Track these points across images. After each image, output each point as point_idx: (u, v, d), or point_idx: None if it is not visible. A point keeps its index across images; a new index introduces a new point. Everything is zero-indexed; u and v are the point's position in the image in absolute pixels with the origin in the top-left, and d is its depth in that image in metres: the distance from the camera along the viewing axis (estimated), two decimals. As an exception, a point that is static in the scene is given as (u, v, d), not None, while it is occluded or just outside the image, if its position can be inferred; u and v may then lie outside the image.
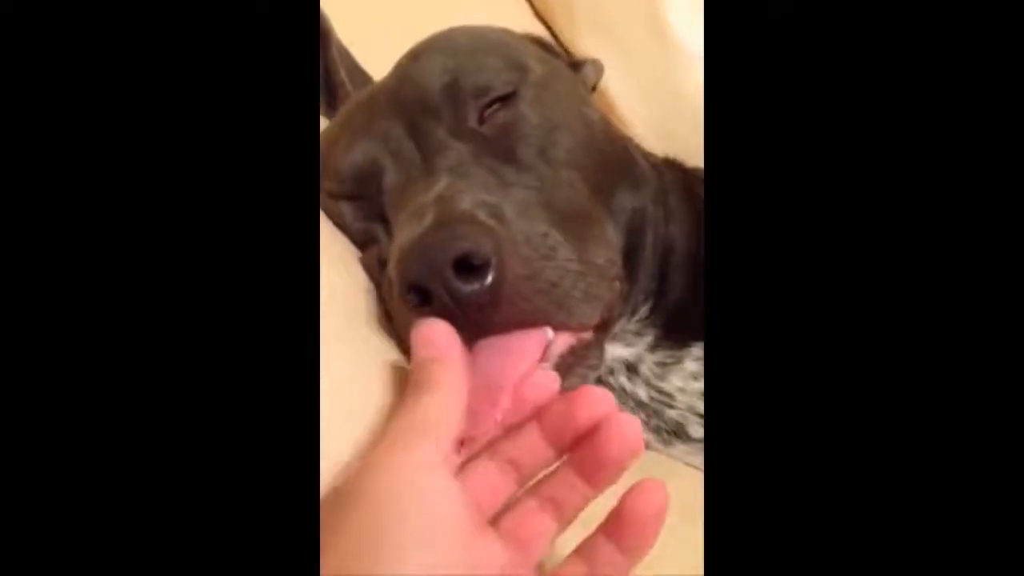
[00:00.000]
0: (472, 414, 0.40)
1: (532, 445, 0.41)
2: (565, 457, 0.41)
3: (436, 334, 0.41)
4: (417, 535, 0.33)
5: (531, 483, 0.41)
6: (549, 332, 0.45)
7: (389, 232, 0.53)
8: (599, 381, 0.60)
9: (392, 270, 0.45)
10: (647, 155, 0.67)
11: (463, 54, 0.56)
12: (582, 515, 0.41)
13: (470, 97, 0.54)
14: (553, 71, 0.60)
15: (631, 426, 0.39)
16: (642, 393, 0.61)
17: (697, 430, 0.60)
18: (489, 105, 0.54)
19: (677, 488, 0.56)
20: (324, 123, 0.66)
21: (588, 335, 0.48)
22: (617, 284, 0.51)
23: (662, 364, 0.60)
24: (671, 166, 0.68)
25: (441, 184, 0.48)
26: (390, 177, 0.53)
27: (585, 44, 0.91)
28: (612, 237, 0.55)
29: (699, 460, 0.60)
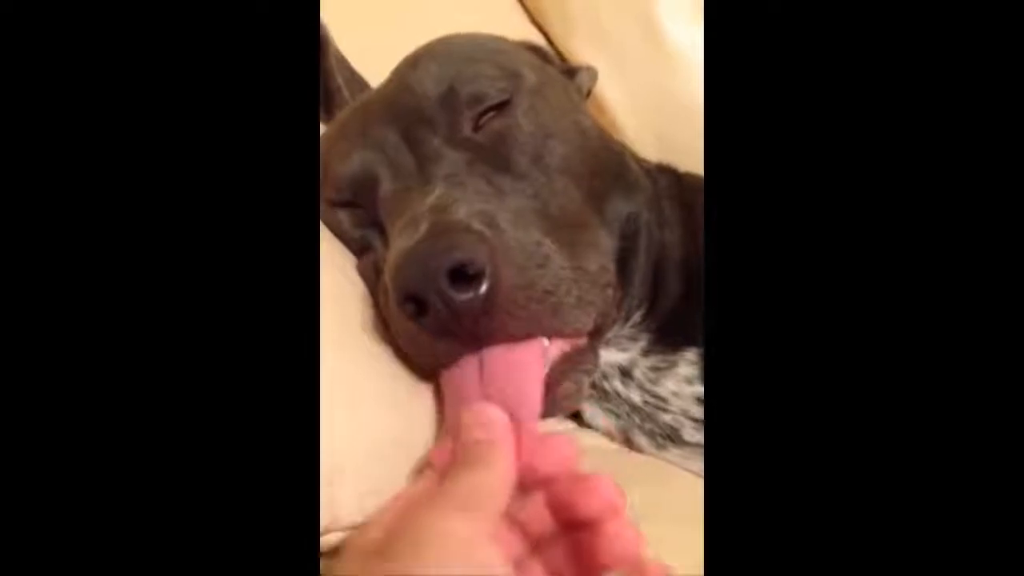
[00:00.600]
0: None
1: (538, 512, 0.41)
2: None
3: (491, 419, 0.41)
4: None
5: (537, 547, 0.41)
6: (545, 341, 0.46)
7: (385, 239, 0.53)
8: (593, 386, 0.61)
9: (388, 280, 0.46)
10: (640, 161, 0.67)
11: (459, 63, 0.57)
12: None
13: (465, 106, 0.55)
14: (547, 79, 0.61)
15: (626, 538, 0.39)
16: (636, 397, 0.61)
17: (691, 434, 0.60)
18: (484, 113, 0.55)
19: (671, 492, 0.57)
20: (321, 129, 0.67)
21: (583, 341, 0.49)
22: (610, 291, 0.52)
23: (656, 369, 0.61)
24: (664, 172, 0.68)
25: (436, 193, 0.49)
26: (386, 185, 0.54)
27: (580, 50, 0.91)
28: (605, 243, 0.55)
29: (693, 464, 0.61)
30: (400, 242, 0.46)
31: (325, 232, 0.57)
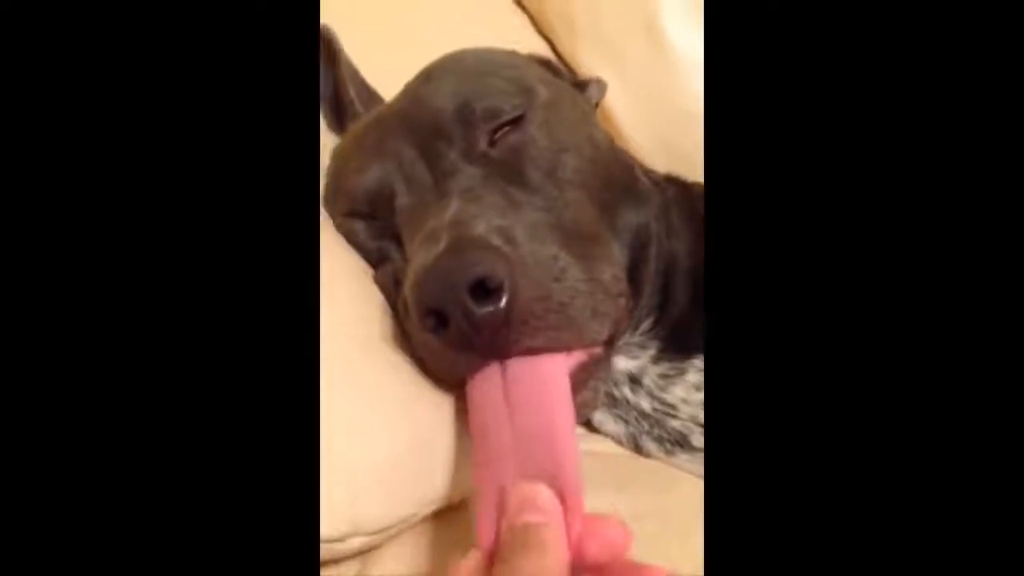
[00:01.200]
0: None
1: None
2: None
3: (542, 500, 0.40)
4: None
5: None
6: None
7: (402, 251, 0.54)
8: (603, 392, 0.62)
9: (409, 293, 0.47)
10: (649, 172, 0.69)
11: (473, 77, 0.58)
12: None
13: (480, 121, 0.56)
14: (559, 93, 0.62)
15: None
16: (645, 404, 0.62)
17: (700, 440, 0.61)
18: (499, 128, 0.56)
19: (679, 497, 0.58)
20: (334, 141, 0.68)
21: (599, 350, 0.50)
22: (623, 300, 0.53)
23: (665, 376, 0.62)
24: (672, 182, 0.70)
25: (453, 207, 0.50)
26: (402, 199, 0.55)
27: (586, 59, 0.92)
28: (617, 254, 0.57)
29: (702, 469, 0.62)
30: (420, 257, 0.47)
31: (343, 242, 0.59)
